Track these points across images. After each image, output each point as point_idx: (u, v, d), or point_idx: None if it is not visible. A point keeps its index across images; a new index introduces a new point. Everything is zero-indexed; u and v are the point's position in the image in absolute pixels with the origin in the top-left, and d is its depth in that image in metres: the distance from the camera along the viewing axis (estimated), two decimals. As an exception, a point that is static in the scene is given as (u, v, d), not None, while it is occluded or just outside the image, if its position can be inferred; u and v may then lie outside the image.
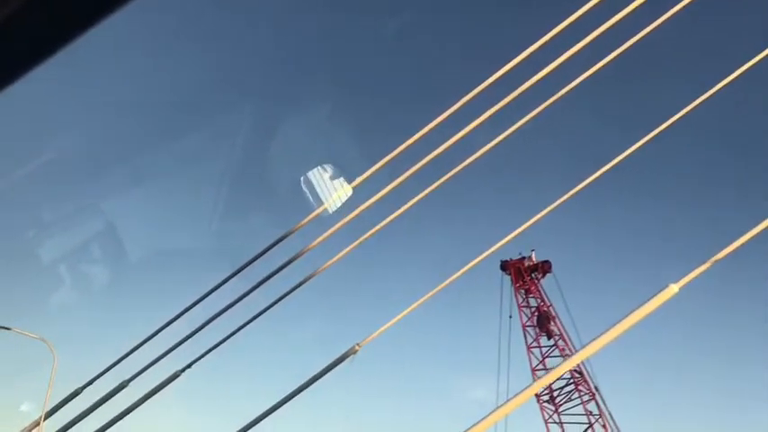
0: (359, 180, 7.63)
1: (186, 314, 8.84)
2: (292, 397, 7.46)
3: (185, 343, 9.28)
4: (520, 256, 35.03)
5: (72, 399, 11.06)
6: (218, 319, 9.13)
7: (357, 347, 6.83)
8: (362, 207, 7.56)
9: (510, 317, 33.55)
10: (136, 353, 9.06)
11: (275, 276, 8.26)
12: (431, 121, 6.37)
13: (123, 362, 9.07)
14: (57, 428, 10.81)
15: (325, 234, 8.03)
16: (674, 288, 4.05)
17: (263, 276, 8.43)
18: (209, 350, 8.88)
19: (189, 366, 8.74)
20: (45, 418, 11.15)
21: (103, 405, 10.75)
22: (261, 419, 7.55)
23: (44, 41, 1.32)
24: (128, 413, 10.10)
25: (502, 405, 4.51)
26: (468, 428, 4.22)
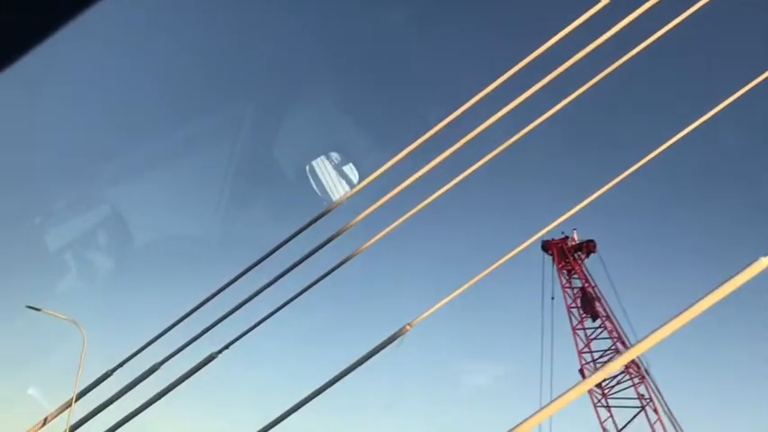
0: (396, 159, 7.23)
1: (217, 297, 8.64)
2: (344, 376, 7.12)
3: (219, 325, 9.05)
4: (562, 236, 34.20)
5: (103, 381, 10.96)
6: (254, 300, 8.95)
7: (408, 328, 6.62)
8: (400, 187, 7.15)
9: (552, 299, 32.84)
10: (166, 336, 8.90)
11: (311, 258, 7.99)
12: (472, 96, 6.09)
13: (152, 346, 8.92)
14: (88, 410, 10.76)
15: (366, 212, 7.70)
16: (764, 261, 3.57)
17: (296, 258, 8.18)
18: (246, 332, 8.61)
19: (226, 347, 8.49)
20: (76, 400, 11.08)
21: (133, 388, 10.68)
22: (309, 401, 7.28)
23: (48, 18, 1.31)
24: (164, 394, 9.96)
25: (553, 401, 4.16)
26: (518, 425, 3.96)
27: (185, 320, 9.79)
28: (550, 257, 34.12)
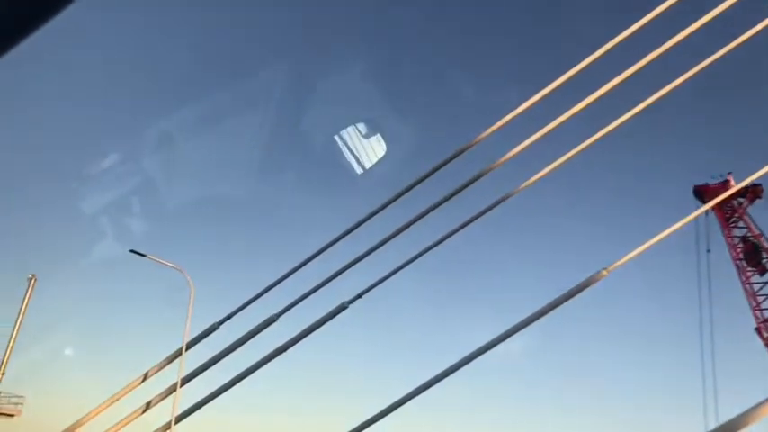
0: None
1: (337, 245, 7.91)
2: (539, 317, 6.33)
3: (343, 276, 8.38)
4: (721, 179, 30.31)
5: (210, 333, 10.89)
6: (384, 247, 8.14)
7: (604, 273, 5.85)
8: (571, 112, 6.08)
9: (708, 251, 29.35)
10: (275, 289, 8.30)
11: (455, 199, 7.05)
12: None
13: (261, 299, 8.35)
14: (194, 362, 10.38)
15: (514, 151, 6.46)
16: None
17: (437, 198, 7.28)
18: (378, 282, 7.92)
19: (359, 296, 7.94)
20: (186, 349, 10.93)
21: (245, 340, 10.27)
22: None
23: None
24: (290, 346, 9.45)
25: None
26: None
27: (298, 271, 8.96)
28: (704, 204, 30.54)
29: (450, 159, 7.32)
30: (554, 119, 6.21)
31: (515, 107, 6.22)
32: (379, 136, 14.49)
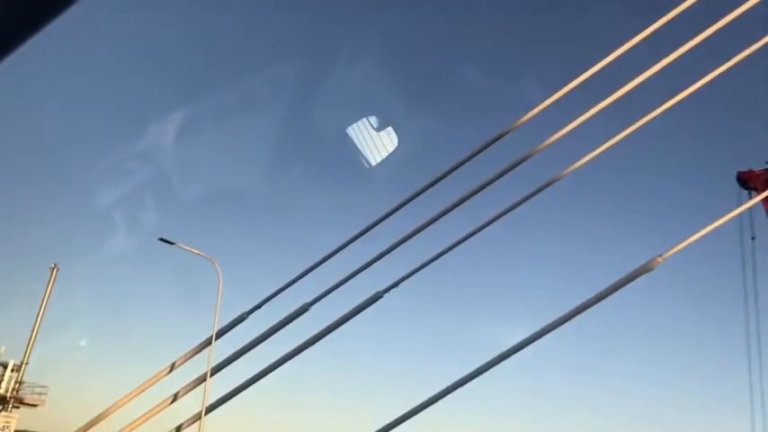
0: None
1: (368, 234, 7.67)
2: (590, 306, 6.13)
3: (374, 265, 8.08)
4: (766, 165, 29.28)
5: (239, 323, 10.67)
6: (420, 235, 7.82)
7: (659, 260, 5.70)
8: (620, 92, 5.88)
9: (753, 239, 28.31)
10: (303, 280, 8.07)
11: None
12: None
13: (288, 289, 8.11)
14: (224, 351, 10.28)
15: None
16: None
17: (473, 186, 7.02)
18: (415, 271, 7.56)
19: (395, 286, 7.58)
20: (219, 336, 10.89)
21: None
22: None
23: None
24: (324, 335, 9.22)
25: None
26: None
27: (329, 260, 8.63)
28: (747, 192, 29.55)
29: (485, 147, 6.93)
30: (591, 107, 5.97)
31: (558, 91, 5.97)
32: (390, 128, 14.78)
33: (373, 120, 15.42)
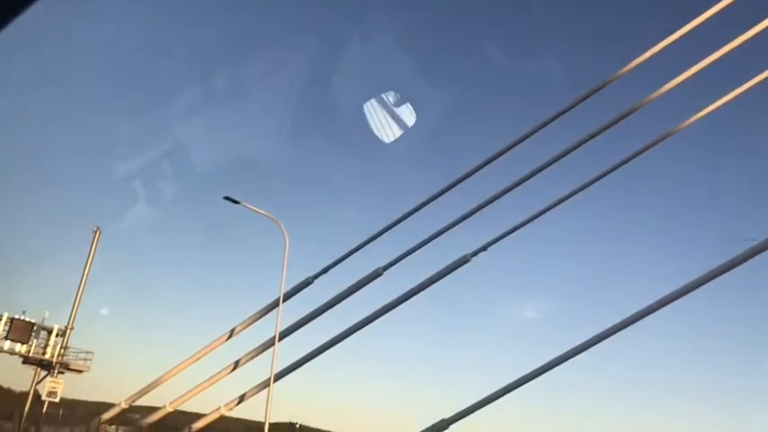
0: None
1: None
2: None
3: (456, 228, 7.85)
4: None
5: (304, 287, 10.62)
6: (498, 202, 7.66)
7: None
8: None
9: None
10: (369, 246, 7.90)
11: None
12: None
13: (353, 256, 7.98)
14: (290, 314, 10.14)
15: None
16: None
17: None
18: (505, 234, 7.24)
19: (483, 249, 7.29)
20: (284, 301, 10.88)
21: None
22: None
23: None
24: (402, 302, 9.03)
25: None
26: None
27: (400, 224, 8.57)
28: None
29: (568, 110, 6.49)
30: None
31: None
32: (408, 105, 14.82)
33: (391, 95, 15.21)
